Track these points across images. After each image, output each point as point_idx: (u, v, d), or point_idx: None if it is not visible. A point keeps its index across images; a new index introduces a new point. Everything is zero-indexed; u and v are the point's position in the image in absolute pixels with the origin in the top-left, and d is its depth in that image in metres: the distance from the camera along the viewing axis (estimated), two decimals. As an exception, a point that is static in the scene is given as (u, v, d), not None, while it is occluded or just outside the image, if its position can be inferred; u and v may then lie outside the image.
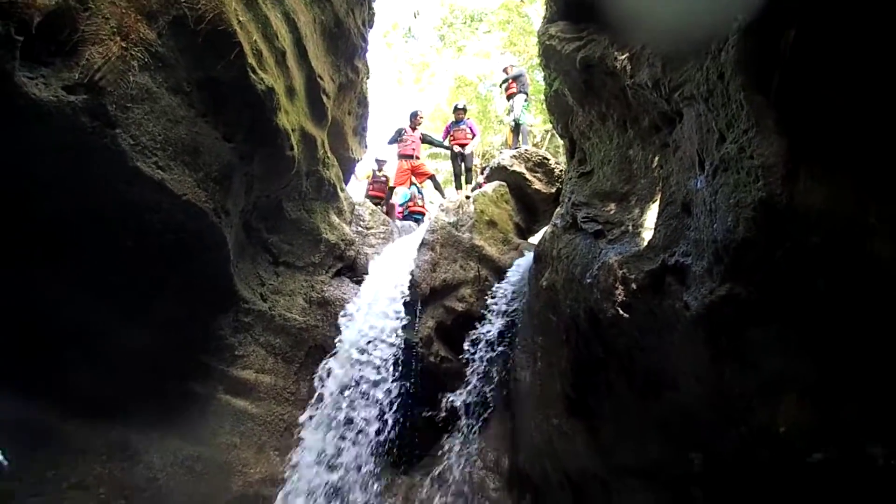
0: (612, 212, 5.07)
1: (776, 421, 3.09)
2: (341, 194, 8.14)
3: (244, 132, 5.17)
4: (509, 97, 12.83)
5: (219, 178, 4.88)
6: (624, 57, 4.63)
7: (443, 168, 18.42)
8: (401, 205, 12.09)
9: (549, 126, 14.26)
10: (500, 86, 13.51)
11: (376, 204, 11.76)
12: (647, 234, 4.33)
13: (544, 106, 8.90)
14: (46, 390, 4.68)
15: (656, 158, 4.59)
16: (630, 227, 4.69)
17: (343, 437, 6.42)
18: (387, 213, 10.38)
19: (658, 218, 4.18)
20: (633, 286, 4.02)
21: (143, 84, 4.14)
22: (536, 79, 15.67)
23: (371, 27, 9.30)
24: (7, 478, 4.40)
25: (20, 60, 3.39)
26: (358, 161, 10.43)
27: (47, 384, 4.68)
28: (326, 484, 6.15)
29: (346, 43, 8.15)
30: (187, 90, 4.55)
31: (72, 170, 3.97)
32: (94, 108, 3.79)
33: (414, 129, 12.05)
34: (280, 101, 5.59)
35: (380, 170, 12.66)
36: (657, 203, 4.34)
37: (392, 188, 11.42)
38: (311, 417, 6.45)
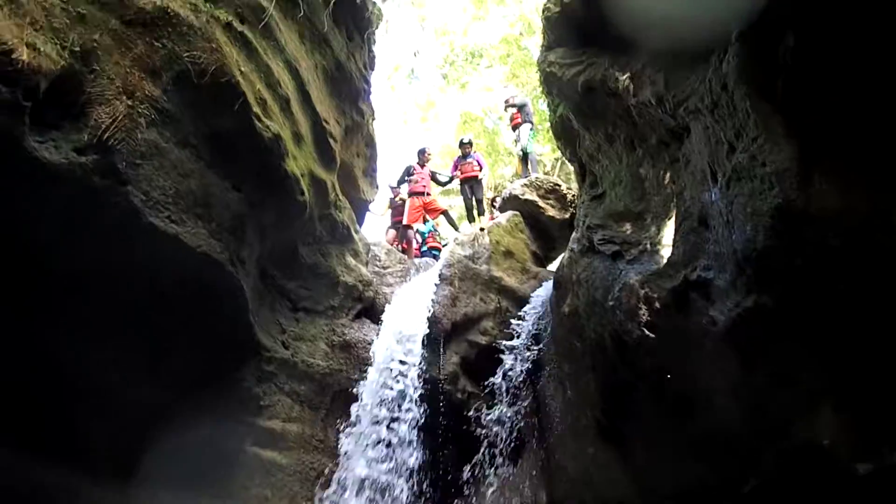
0: (628, 232, 5.03)
1: (818, 434, 3.00)
2: (356, 236, 8.16)
3: (254, 180, 5.21)
4: (514, 128, 12.90)
5: (232, 228, 4.90)
6: (625, 77, 4.65)
7: (455, 204, 18.48)
8: (422, 235, 12.10)
9: (559, 154, 14.29)
10: (505, 110, 13.54)
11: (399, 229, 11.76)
12: (666, 252, 4.29)
13: (551, 134, 8.94)
14: (64, 451, 4.64)
15: (668, 174, 4.55)
16: (648, 246, 4.65)
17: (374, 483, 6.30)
18: (404, 252, 10.37)
19: (675, 234, 4.14)
20: (657, 305, 3.97)
21: (152, 140, 4.21)
22: (541, 108, 15.77)
23: (372, 69, 9.43)
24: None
25: (29, 125, 3.46)
26: (370, 202, 10.48)
27: (65, 445, 4.65)
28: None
29: (348, 86, 8.25)
30: (195, 143, 4.61)
31: (84, 226, 4.02)
32: (104, 167, 3.85)
33: (423, 165, 12.13)
34: (287, 147, 5.64)
35: (395, 196, 12.68)
36: (673, 219, 4.30)
37: (407, 226, 11.42)
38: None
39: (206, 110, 4.65)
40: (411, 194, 11.56)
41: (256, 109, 5.04)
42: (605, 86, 5.01)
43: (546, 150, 18.70)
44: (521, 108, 12.84)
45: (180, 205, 4.40)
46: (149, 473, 5.16)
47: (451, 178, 12.72)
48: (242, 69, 5.03)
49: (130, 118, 3.98)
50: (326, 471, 6.37)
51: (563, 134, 6.85)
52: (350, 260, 7.82)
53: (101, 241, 4.14)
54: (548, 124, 8.63)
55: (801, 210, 2.57)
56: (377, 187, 10.65)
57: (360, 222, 9.72)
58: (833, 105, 2.50)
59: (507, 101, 13.43)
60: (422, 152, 12.38)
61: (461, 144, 12.86)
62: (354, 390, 6.82)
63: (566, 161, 9.93)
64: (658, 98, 4.20)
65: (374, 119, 9.57)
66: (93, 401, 4.76)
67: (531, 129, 12.71)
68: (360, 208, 9.80)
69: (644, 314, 4.08)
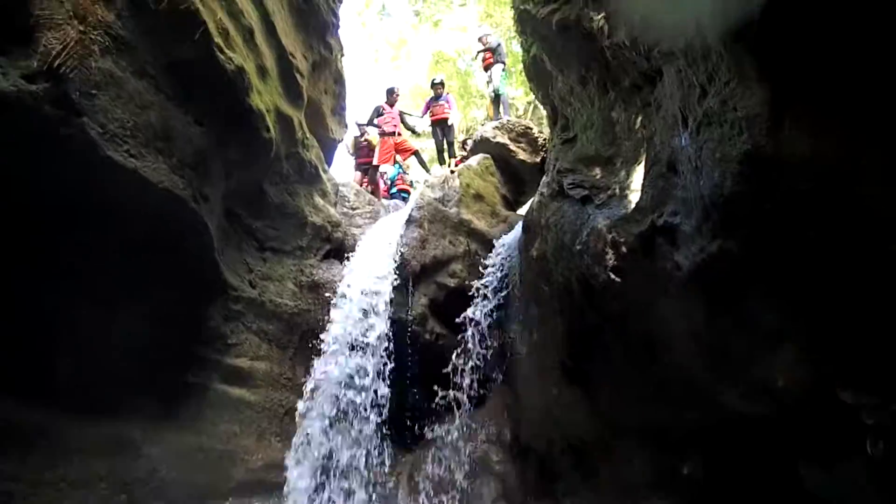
0: (598, 176, 5.01)
1: (774, 375, 3.10)
2: (324, 175, 8.03)
3: (216, 115, 5.05)
4: (486, 68, 12.61)
5: (194, 164, 4.76)
6: (600, 17, 4.55)
7: (427, 146, 18.28)
8: (389, 180, 11.97)
9: (532, 98, 14.10)
10: (476, 57, 13.26)
11: (365, 171, 11.58)
12: (635, 197, 4.28)
13: (524, 77, 8.79)
14: (35, 389, 4.58)
15: (639, 119, 4.52)
16: (617, 191, 4.64)
17: (344, 419, 6.40)
18: (372, 193, 10.26)
19: (644, 179, 4.13)
20: (624, 250, 4.00)
21: (107, 69, 4.00)
22: (514, 49, 15.47)
23: (341, 2, 9.11)
24: (4, 479, 4.35)
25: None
26: (339, 142, 10.29)
27: (35, 382, 4.59)
28: (330, 461, 6.16)
29: (316, 19, 7.97)
30: (153, 73, 4.41)
31: (43, 162, 3.85)
32: (56, 97, 3.65)
33: (392, 105, 11.86)
34: (252, 81, 5.47)
35: (361, 136, 12.38)
36: (643, 164, 4.29)
37: (376, 166, 11.25)
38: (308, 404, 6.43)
39: (165, 39, 4.44)
40: (381, 134, 11.34)
41: (218, 40, 4.85)
42: (580, 25, 4.89)
43: (519, 93, 18.51)
44: (493, 48, 12.56)
45: (139, 138, 4.22)
46: (116, 409, 5.16)
47: (420, 128, 12.48)
48: (203, -5, 4.79)
49: (83, 45, 3.76)
50: (294, 408, 6.44)
51: (536, 75, 6.73)
52: (318, 200, 7.72)
53: (59, 176, 3.97)
54: (521, 66, 8.45)
55: (771, 155, 2.56)
56: (346, 126, 10.45)
57: (329, 162, 9.57)
58: (807, 49, 2.45)
59: (480, 39, 13.11)
60: (390, 91, 12.09)
61: (433, 85, 12.57)
62: (322, 330, 6.85)
63: (539, 104, 9.80)
64: (632, 39, 4.13)
65: (342, 55, 9.30)
66: (62, 337, 4.69)
67: (504, 71, 12.47)
68: (329, 147, 9.63)
69: (611, 259, 4.11)
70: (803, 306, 2.85)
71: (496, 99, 12.00)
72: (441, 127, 11.88)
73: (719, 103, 2.85)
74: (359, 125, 12.25)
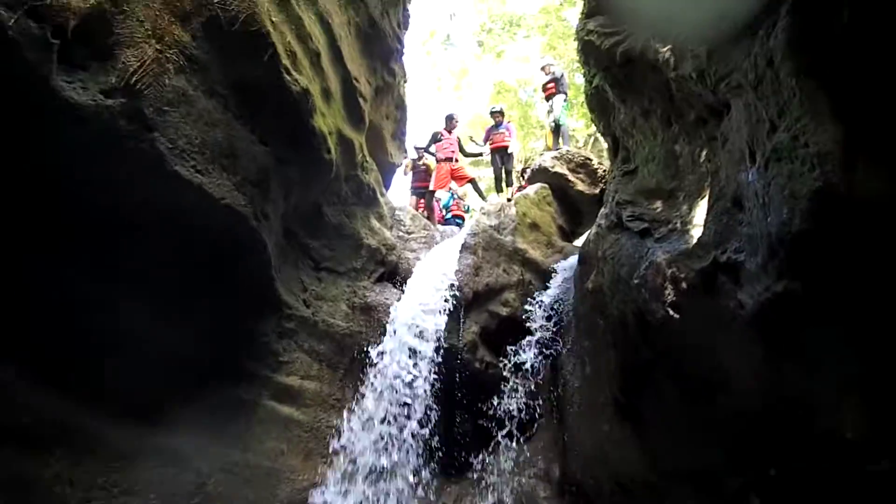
0: (658, 209, 4.92)
1: (841, 426, 2.94)
2: (381, 199, 8.11)
3: (280, 135, 5.15)
4: (548, 98, 12.60)
5: (256, 182, 4.86)
6: (666, 49, 4.50)
7: (485, 175, 18.34)
8: (444, 207, 12.02)
9: (592, 130, 14.01)
10: (543, 80, 13.20)
11: (421, 195, 11.65)
12: (697, 231, 4.18)
13: (585, 110, 8.73)
14: (91, 395, 4.70)
15: (703, 153, 4.43)
16: (678, 225, 4.54)
17: (389, 446, 6.37)
18: (427, 218, 10.32)
19: (708, 214, 4.03)
20: (684, 285, 3.89)
21: (179, 87, 4.15)
22: (576, 81, 15.44)
23: (406, 29, 9.27)
24: (59, 482, 4.47)
25: (57, 64, 3.43)
26: (397, 166, 10.42)
27: (92, 389, 4.71)
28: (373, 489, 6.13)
29: (381, 45, 8.12)
30: (223, 93, 4.55)
31: (111, 172, 4.00)
32: (131, 112, 3.80)
33: (450, 131, 11.97)
34: (316, 104, 5.57)
35: (419, 159, 12.54)
36: (706, 199, 4.19)
37: (433, 192, 11.32)
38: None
39: (235, 60, 4.58)
40: (439, 160, 11.43)
41: (286, 62, 4.97)
42: (645, 57, 4.85)
43: (580, 125, 18.42)
44: (556, 78, 12.55)
45: (206, 154, 4.35)
46: (167, 420, 5.24)
47: (481, 153, 12.51)
48: (273, 19, 4.93)
49: (159, 63, 3.93)
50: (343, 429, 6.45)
51: (598, 106, 6.70)
52: (374, 223, 7.80)
53: (127, 188, 4.12)
54: (582, 99, 8.41)
55: (843, 194, 2.47)
56: (405, 151, 10.58)
57: (387, 186, 9.69)
58: (882, 87, 2.37)
59: (543, 69, 13.13)
60: (449, 118, 12.21)
61: (493, 113, 12.66)
62: (373, 353, 6.87)
63: (599, 136, 9.73)
64: (699, 72, 4.06)
65: (405, 81, 9.45)
66: (117, 345, 4.80)
67: (565, 101, 12.45)
68: (388, 171, 9.76)
69: (669, 294, 4.00)
70: (869, 353, 2.71)
71: (556, 129, 11.98)
72: (500, 155, 11.93)
73: (790, 139, 2.76)
74: (417, 149, 12.40)
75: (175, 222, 4.43)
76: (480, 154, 12.81)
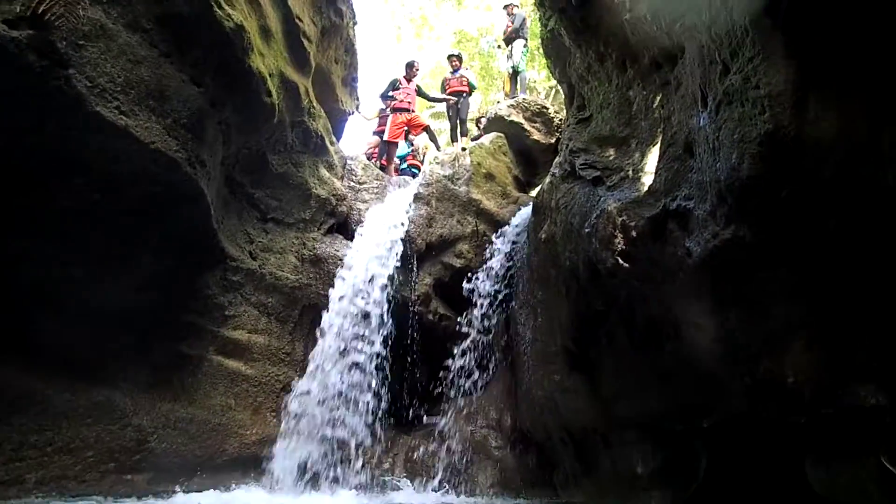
0: (611, 157, 4.83)
1: (784, 371, 2.96)
2: (331, 147, 7.81)
3: (214, 75, 4.84)
4: (507, 41, 12.19)
5: (189, 126, 4.56)
6: (621, -13, 4.33)
7: (444, 127, 18.00)
8: (399, 157, 11.69)
9: (554, 83, 13.70)
10: (503, 32, 12.72)
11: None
12: (648, 179, 4.11)
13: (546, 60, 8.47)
14: (20, 352, 4.51)
15: (657, 98, 4.32)
16: (630, 173, 4.46)
17: (341, 396, 6.30)
18: (383, 168, 10.04)
19: (659, 161, 3.96)
20: (633, 234, 3.83)
21: (96, 19, 3.79)
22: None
23: (354, -34, 8.80)
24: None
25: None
26: (349, 114, 10.02)
27: (20, 345, 4.51)
28: (326, 443, 6.08)
29: (327, -18, 7.72)
30: (147, 27, 4.21)
31: (26, 115, 3.68)
32: (41, 45, 3.46)
33: (409, 80, 11.54)
34: (252, 41, 5.26)
35: (386, 108, 11.92)
36: (658, 146, 4.10)
37: (388, 142, 10.97)
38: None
39: (159, -9, 4.23)
40: (394, 110, 11.05)
41: (217, -6, 4.64)
42: (600, -3, 4.68)
43: (542, 76, 18.15)
44: (518, 22, 12.04)
45: (131, 95, 4.03)
46: (106, 376, 5.10)
47: (445, 99, 12.07)
48: (200, -56, 4.58)
49: (69, -10, 3.56)
50: (292, 383, 6.36)
51: (554, 51, 6.48)
52: (324, 172, 7.53)
53: (43, 130, 3.81)
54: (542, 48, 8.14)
55: (793, 137, 2.39)
56: (358, 98, 10.20)
57: (338, 134, 9.35)
58: (837, 26, 2.27)
59: (506, 8, 12.58)
60: (409, 65, 11.72)
61: (450, 57, 12.27)
62: (323, 306, 6.73)
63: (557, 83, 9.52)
64: (654, 12, 3.93)
65: (355, 23, 9.01)
66: (48, 299, 4.61)
67: (525, 48, 12.11)
68: (338, 119, 9.39)
69: (620, 243, 3.94)
70: (819, 298, 2.71)
71: (514, 75, 11.67)
72: (456, 101, 11.56)
73: (741, 80, 2.67)
74: (382, 98, 11.83)
75: (96, 169, 4.12)
76: (443, 101, 12.34)
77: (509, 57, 11.99)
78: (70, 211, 4.28)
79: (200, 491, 5.30)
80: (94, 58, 3.77)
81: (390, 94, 11.18)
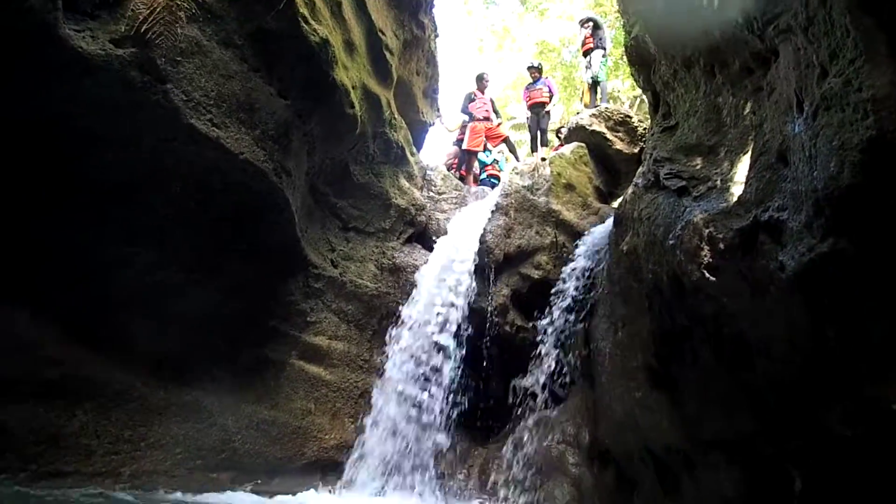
0: (697, 166, 4.64)
1: (887, 396, 2.72)
2: (411, 158, 7.93)
3: (300, 88, 5.01)
4: (586, 53, 11.89)
5: (276, 137, 4.74)
6: (711, -10, 4.18)
7: (525, 138, 17.94)
8: (480, 166, 11.72)
9: (639, 92, 13.39)
10: (581, 29, 12.45)
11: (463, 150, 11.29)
12: (738, 189, 3.92)
13: (630, 70, 8.28)
14: (120, 352, 4.77)
15: (748, 105, 4.13)
16: (718, 183, 4.27)
17: (416, 407, 6.34)
18: (462, 178, 10.08)
19: (750, 170, 3.76)
20: (721, 246, 3.66)
21: (192, 37, 4.02)
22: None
23: (437, -22, 8.88)
24: (85, 434, 4.53)
25: (63, 12, 3.32)
26: (430, 125, 10.13)
27: (121, 346, 4.77)
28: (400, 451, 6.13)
29: (408, -5, 7.85)
30: (239, 43, 4.42)
31: (125, 126, 3.91)
32: (142, 62, 3.69)
33: (482, 91, 11.58)
34: (337, 55, 5.40)
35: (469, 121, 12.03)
36: (749, 154, 3.91)
37: (467, 151, 11.02)
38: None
39: (250, 8, 4.43)
40: (473, 120, 11.10)
41: (304, 10, 4.79)
42: (688, 2, 4.53)
43: (626, 86, 17.81)
44: (595, 30, 11.86)
45: (223, 108, 4.24)
46: (195, 377, 5.32)
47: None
48: (290, -35, 4.74)
49: (169, 10, 3.80)
50: (370, 390, 6.45)
51: (638, 58, 6.33)
52: (404, 182, 7.64)
53: (142, 142, 4.05)
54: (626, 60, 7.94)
55: (899, 143, 2.22)
56: (438, 110, 10.30)
57: (419, 145, 9.45)
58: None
59: (581, 22, 12.49)
60: (480, 78, 11.76)
61: (530, 69, 12.20)
62: (401, 314, 6.80)
63: (641, 92, 9.29)
64: (745, 16, 3.76)
65: (436, 36, 9.10)
66: (150, 305, 4.86)
67: (604, 57, 11.87)
68: (418, 130, 9.50)
69: (706, 255, 3.78)
70: None
71: (594, 85, 11.45)
72: (536, 112, 11.48)
73: (842, 84, 2.50)
74: (463, 115, 11.92)
75: (191, 179, 4.35)
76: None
77: (588, 67, 11.78)
78: (167, 219, 4.51)
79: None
80: (189, 73, 4.00)
81: (467, 107, 11.27)
